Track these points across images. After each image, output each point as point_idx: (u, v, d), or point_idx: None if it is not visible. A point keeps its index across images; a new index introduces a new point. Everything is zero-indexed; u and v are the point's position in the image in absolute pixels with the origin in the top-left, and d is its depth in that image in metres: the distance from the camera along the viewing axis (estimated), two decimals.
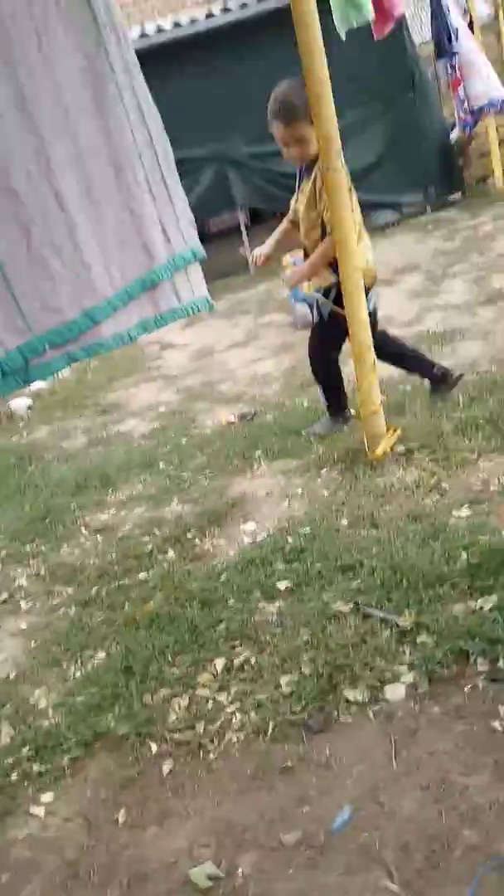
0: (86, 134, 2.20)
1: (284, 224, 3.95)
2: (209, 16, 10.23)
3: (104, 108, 2.24)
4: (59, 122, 2.12)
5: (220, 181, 9.88)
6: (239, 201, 10.15)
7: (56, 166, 2.10)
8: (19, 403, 6.42)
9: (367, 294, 3.48)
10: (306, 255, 3.70)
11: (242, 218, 10.62)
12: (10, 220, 2.08)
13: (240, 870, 1.76)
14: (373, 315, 3.69)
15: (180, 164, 2.61)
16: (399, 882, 1.59)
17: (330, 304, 3.64)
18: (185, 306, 2.70)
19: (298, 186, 3.67)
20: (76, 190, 2.19)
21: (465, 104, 9.41)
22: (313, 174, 3.44)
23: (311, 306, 3.83)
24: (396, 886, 1.58)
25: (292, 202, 3.79)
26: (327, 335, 3.85)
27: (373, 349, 3.48)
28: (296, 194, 3.72)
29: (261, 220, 15.17)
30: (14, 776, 2.28)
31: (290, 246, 4.18)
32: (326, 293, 3.65)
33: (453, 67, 9.27)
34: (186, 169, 9.35)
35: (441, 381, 3.97)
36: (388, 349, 3.87)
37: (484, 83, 9.27)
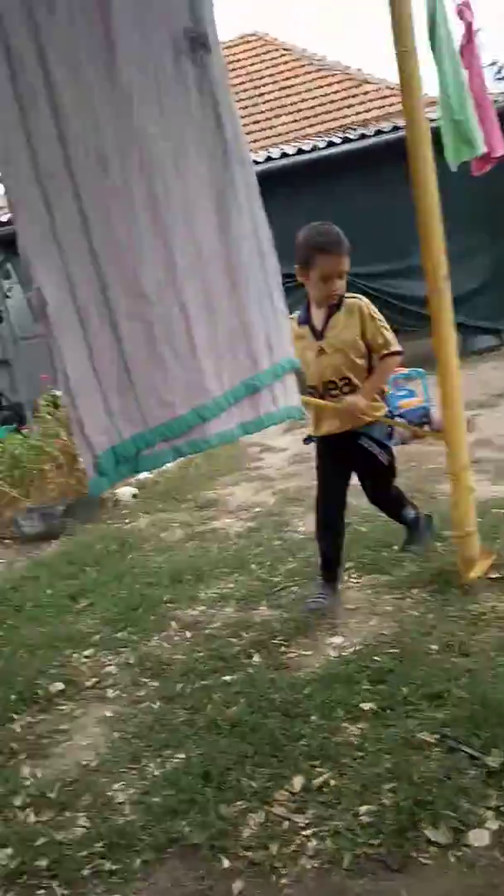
0: (209, 245, 2.43)
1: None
2: (330, 144, 10.97)
3: (226, 221, 2.48)
4: (186, 232, 2.34)
5: None
6: None
7: (181, 275, 2.32)
8: (125, 492, 6.69)
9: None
10: (321, 396, 3.63)
11: None
12: (137, 320, 2.29)
13: None
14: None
15: (287, 279, 2.86)
16: None
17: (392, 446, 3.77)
18: (280, 412, 2.89)
19: (326, 323, 3.55)
20: (197, 299, 2.41)
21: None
22: (344, 307, 3.53)
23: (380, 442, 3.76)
24: None
25: (311, 345, 3.58)
26: (390, 474, 3.90)
27: (465, 472, 3.50)
28: (316, 333, 3.59)
29: None
30: (86, 871, 2.29)
31: None
32: (390, 435, 3.72)
33: None
34: (293, 285, 9.82)
35: (413, 528, 4.16)
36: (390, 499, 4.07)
37: None
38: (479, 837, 2.07)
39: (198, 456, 7.23)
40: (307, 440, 3.93)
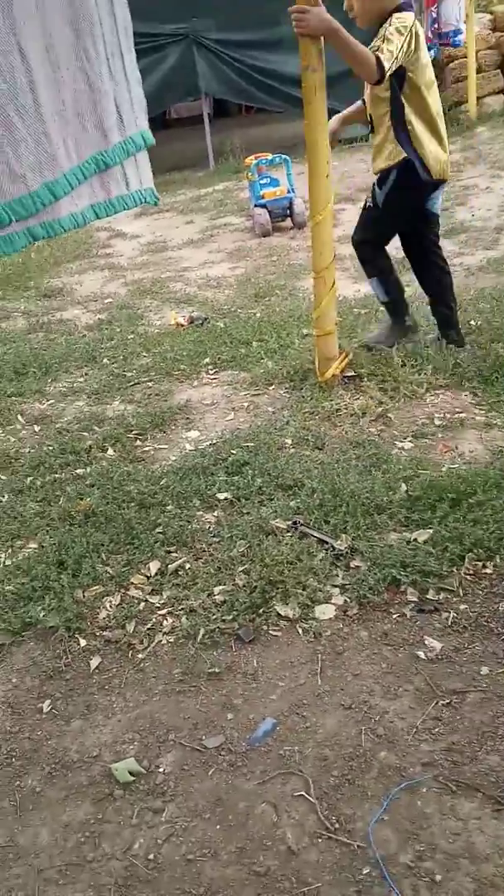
0: None
1: (359, 102, 3.63)
2: None
3: None
4: None
5: (185, 64, 9.26)
6: (204, 89, 9.57)
7: (18, 16, 2.01)
8: None
9: (434, 190, 3.40)
10: (372, 130, 3.41)
11: (206, 107, 10.09)
12: None
13: (161, 768, 1.81)
14: (434, 219, 3.54)
15: (144, 38, 2.53)
16: (315, 794, 1.67)
17: (384, 192, 3.38)
18: (132, 195, 2.77)
19: None
20: (37, 46, 2.12)
21: (436, 26, 9.09)
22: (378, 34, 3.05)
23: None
24: (313, 798, 1.66)
25: None
26: (378, 222, 3.54)
27: (329, 270, 3.40)
28: None
29: (226, 112, 14.48)
30: None
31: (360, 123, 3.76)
32: (383, 180, 3.37)
33: None
34: (150, 46, 8.74)
35: (450, 340, 3.67)
36: (433, 273, 3.65)
37: (455, 9, 8.97)
38: (325, 612, 2.22)
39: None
40: None
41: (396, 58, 2.98)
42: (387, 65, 2.95)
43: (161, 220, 7.69)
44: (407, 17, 3.04)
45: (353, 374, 3.54)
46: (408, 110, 3.20)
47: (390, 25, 3.01)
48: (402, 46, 2.98)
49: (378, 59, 2.94)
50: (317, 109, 3.12)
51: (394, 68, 3.00)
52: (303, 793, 1.68)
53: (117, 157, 2.63)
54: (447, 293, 3.66)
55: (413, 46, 3.05)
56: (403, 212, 3.49)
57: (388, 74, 2.98)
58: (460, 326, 3.71)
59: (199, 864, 1.58)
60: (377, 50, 2.96)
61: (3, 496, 3.07)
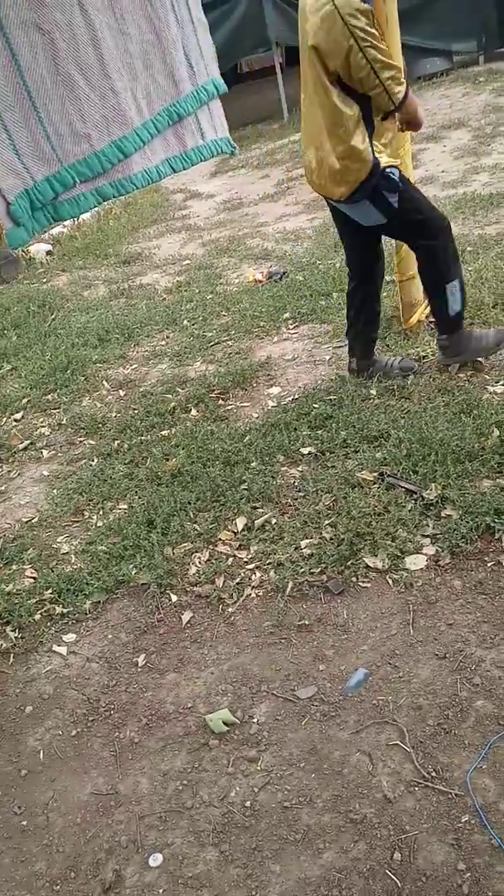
0: None
1: None
2: None
3: None
4: None
5: (254, 15, 9.01)
6: (274, 38, 9.29)
7: None
8: (38, 249, 6.21)
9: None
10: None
11: (278, 58, 9.82)
12: (34, 29, 1.91)
13: (255, 718, 1.83)
14: (392, 223, 2.80)
15: None
16: (410, 743, 1.65)
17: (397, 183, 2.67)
18: (208, 145, 2.68)
19: None
20: (100, 1, 2.05)
21: None
22: None
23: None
24: (408, 747, 1.64)
25: None
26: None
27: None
28: None
29: (299, 61, 14.10)
30: (37, 616, 2.35)
31: None
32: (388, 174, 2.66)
33: None
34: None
35: (446, 329, 2.98)
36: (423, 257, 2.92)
37: None
38: (415, 562, 2.16)
39: (116, 206, 6.70)
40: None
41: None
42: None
43: (236, 177, 7.59)
44: None
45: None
46: None
47: None
48: None
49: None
50: (390, 43, 2.96)
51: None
52: (398, 742, 1.66)
53: (190, 106, 2.56)
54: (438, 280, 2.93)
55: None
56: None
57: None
58: None
59: (296, 812, 1.59)
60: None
61: (93, 460, 3.14)
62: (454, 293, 2.86)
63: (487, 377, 2.91)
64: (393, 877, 1.43)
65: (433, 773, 1.58)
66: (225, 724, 1.83)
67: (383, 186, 2.64)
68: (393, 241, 3.18)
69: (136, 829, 1.66)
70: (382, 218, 2.74)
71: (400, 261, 3.29)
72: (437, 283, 2.88)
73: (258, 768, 1.71)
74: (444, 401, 2.80)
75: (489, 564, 2.07)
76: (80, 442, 3.34)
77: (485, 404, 2.69)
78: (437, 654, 1.84)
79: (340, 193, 2.69)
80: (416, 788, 1.56)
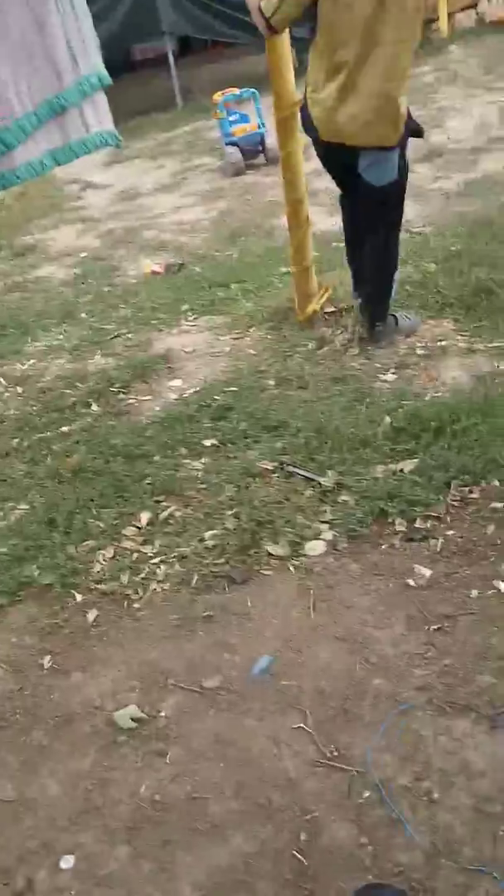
0: None
1: None
2: None
3: None
4: None
5: (144, 3, 8.87)
6: (166, 27, 9.18)
7: None
8: None
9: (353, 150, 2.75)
10: None
11: (171, 47, 9.70)
12: None
13: (162, 713, 1.84)
14: (373, 190, 2.84)
15: None
16: (313, 725, 1.71)
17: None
18: (92, 137, 2.67)
19: None
20: None
21: None
22: None
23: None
24: (311, 729, 1.69)
25: None
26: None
27: (302, 204, 3.31)
28: None
29: (192, 50, 13.96)
30: None
31: None
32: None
33: None
34: None
35: (382, 317, 3.14)
36: (363, 258, 3.08)
37: None
38: (314, 548, 2.23)
39: (7, 197, 6.49)
40: None
41: (279, 4, 2.52)
42: (270, 8, 2.55)
43: (131, 167, 7.49)
44: None
45: (333, 309, 3.48)
46: (311, 49, 2.67)
47: None
48: None
49: (260, 9, 2.57)
50: (278, 39, 2.99)
51: (287, 13, 2.55)
52: (301, 725, 1.72)
53: (74, 98, 2.53)
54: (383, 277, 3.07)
55: None
56: (322, 163, 3.01)
57: (276, 26, 2.59)
58: (439, 253, 3.63)
59: (204, 802, 1.62)
60: None
61: None
62: (395, 283, 3.01)
63: (378, 366, 3.01)
64: (300, 857, 1.48)
65: (335, 753, 1.64)
66: (133, 720, 1.84)
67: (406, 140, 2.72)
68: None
69: (47, 834, 1.65)
70: (395, 174, 2.77)
71: (294, 251, 3.35)
72: (390, 271, 3.01)
73: (167, 762, 1.73)
74: (338, 390, 2.88)
75: (383, 547, 2.15)
76: None
77: (376, 393, 2.79)
78: (336, 637, 1.91)
79: (387, 138, 2.65)
80: (319, 769, 1.62)
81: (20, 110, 2.32)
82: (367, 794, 1.55)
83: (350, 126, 2.65)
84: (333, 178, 3.10)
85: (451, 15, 9.41)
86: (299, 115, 2.89)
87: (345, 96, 2.61)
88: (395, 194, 2.88)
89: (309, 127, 2.81)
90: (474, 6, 9.63)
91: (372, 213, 2.96)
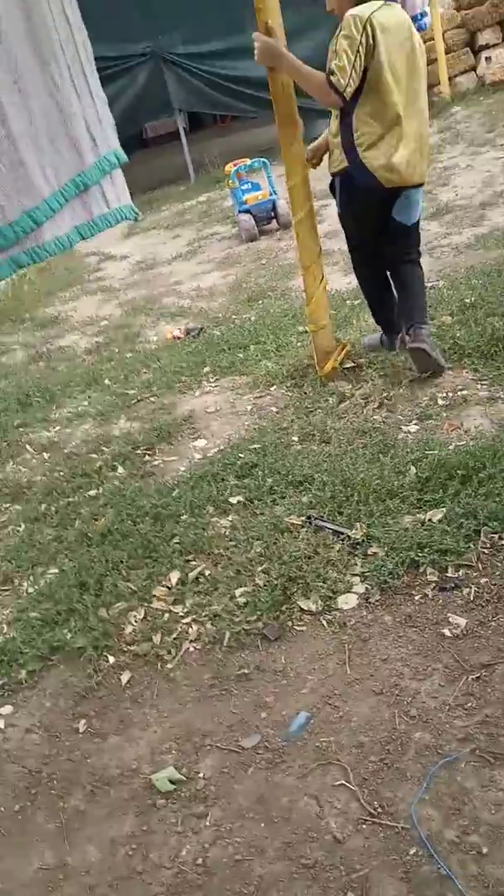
0: (10, 28, 2.21)
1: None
2: None
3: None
4: None
5: (155, 82, 9.31)
6: (176, 105, 9.63)
7: None
8: None
9: (394, 198, 3.10)
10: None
11: (181, 123, 10.14)
12: None
13: (201, 774, 1.82)
14: (404, 230, 3.24)
15: (112, 60, 2.62)
16: (355, 781, 1.67)
17: (337, 199, 3.29)
18: (113, 212, 2.81)
19: None
20: (5, 80, 2.20)
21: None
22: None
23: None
24: (353, 785, 1.66)
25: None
26: (345, 228, 3.42)
27: (316, 264, 3.41)
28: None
29: (202, 125, 14.57)
30: None
31: None
32: (332, 187, 3.28)
33: None
34: (120, 68, 8.80)
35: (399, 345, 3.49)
36: (404, 280, 3.35)
37: None
38: (347, 601, 2.22)
39: (30, 272, 6.72)
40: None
41: (352, 72, 2.83)
42: (343, 83, 2.84)
43: (148, 237, 7.74)
44: (356, 17, 2.83)
45: (352, 364, 3.54)
46: (359, 113, 2.96)
47: (340, 32, 2.85)
48: (353, 56, 2.81)
49: (331, 82, 2.84)
50: (286, 109, 3.14)
51: (354, 83, 2.86)
52: (343, 781, 1.68)
53: (95, 176, 2.68)
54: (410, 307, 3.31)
55: (371, 43, 2.82)
56: (359, 220, 3.29)
57: (348, 93, 2.86)
58: (454, 305, 3.70)
59: (248, 864, 1.59)
60: (329, 72, 2.85)
61: (20, 525, 3.10)
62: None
63: (400, 417, 3.04)
64: None
65: (379, 809, 1.60)
66: (171, 782, 1.81)
67: None
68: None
69: None
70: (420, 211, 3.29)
71: (312, 311, 3.43)
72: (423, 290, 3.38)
73: (207, 824, 1.70)
74: (362, 442, 2.91)
75: (416, 598, 2.14)
76: (6, 508, 3.30)
77: (400, 444, 2.81)
78: (374, 691, 1.89)
79: (425, 174, 3.18)
80: (364, 826, 1.58)
81: (48, 191, 2.45)
82: (413, 850, 1.51)
83: (405, 168, 3.02)
84: (366, 231, 3.33)
85: (451, 78, 9.76)
86: (339, 177, 3.21)
87: (397, 143, 3.00)
88: (417, 230, 3.33)
89: (362, 182, 3.08)
90: (474, 69, 9.98)
91: (400, 248, 3.33)
